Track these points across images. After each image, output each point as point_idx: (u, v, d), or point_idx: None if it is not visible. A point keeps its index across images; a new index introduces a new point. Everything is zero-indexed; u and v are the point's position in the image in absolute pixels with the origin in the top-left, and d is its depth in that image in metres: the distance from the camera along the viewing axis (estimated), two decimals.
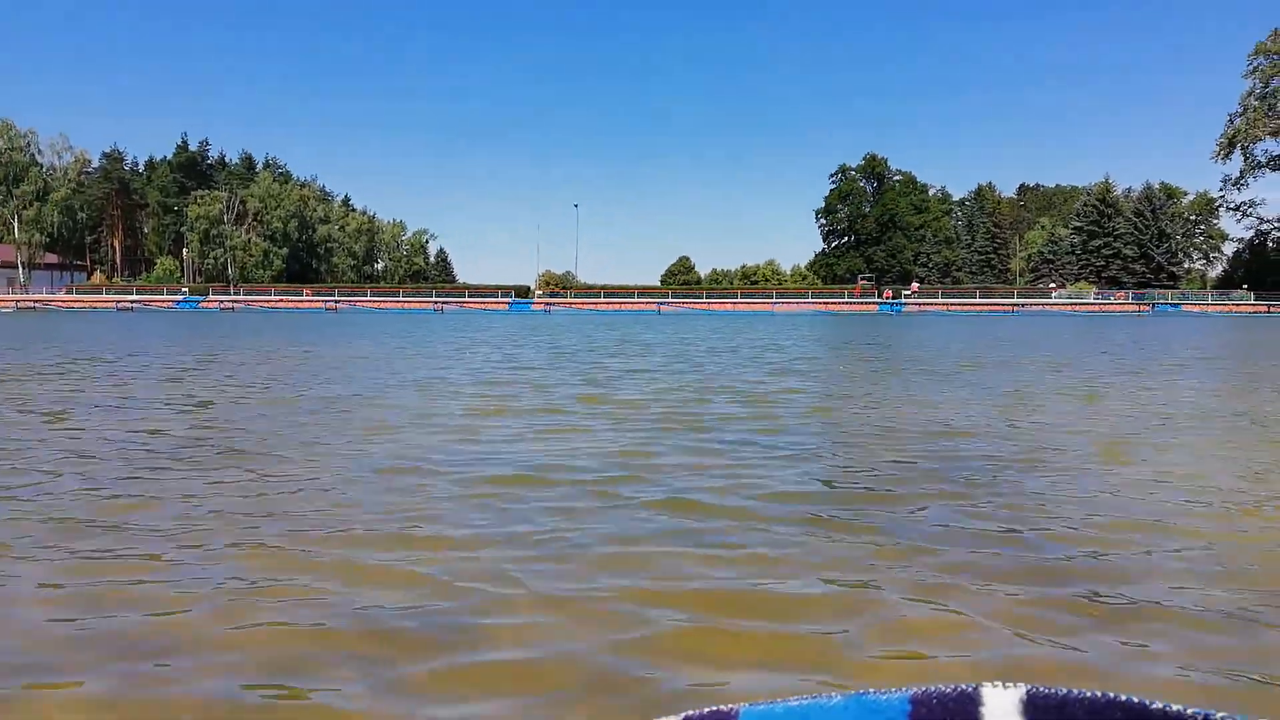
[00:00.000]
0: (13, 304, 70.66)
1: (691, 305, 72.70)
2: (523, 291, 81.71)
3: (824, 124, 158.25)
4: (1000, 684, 0.42)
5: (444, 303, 73.03)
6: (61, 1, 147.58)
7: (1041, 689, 0.41)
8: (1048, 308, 69.60)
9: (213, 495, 4.66)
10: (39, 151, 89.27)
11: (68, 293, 79.83)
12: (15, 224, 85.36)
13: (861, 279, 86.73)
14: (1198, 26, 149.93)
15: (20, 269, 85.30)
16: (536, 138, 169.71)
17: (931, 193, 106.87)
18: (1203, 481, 5.15)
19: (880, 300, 73.16)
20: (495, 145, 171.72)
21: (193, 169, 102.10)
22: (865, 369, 13.61)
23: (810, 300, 75.32)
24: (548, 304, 71.86)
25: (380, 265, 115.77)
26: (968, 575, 3.35)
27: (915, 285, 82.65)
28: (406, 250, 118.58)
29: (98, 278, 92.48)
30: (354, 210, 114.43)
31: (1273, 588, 3.21)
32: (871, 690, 0.43)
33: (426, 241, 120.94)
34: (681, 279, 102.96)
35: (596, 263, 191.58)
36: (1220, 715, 0.37)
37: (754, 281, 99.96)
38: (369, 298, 77.20)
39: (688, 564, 3.51)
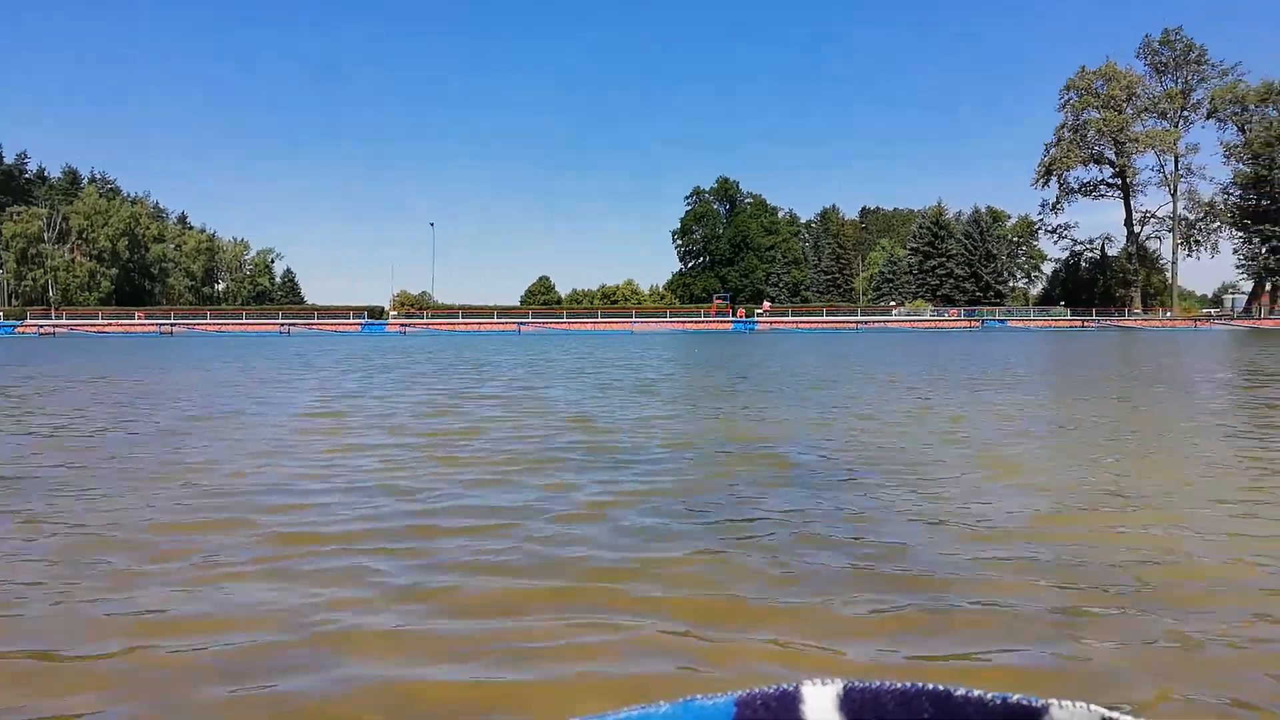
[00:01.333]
0: None
1: (552, 325, 72.55)
2: (377, 312, 79.34)
3: (680, 147, 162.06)
4: (819, 680, 0.44)
5: (291, 324, 69.89)
6: None
7: (856, 683, 0.43)
8: (889, 324, 73.52)
9: None
10: None
11: None
12: None
13: (717, 298, 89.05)
14: (1019, 61, 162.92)
15: None
16: (389, 154, 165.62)
17: (781, 215, 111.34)
18: (1037, 485, 5.55)
19: (735, 319, 75.26)
20: (346, 162, 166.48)
21: (8, 183, 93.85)
22: (719, 385, 13.93)
23: (668, 319, 76.65)
24: (403, 325, 69.99)
25: (221, 286, 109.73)
26: (808, 585, 3.48)
27: (766, 304, 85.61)
28: (250, 270, 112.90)
29: None
30: (191, 228, 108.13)
31: (1097, 584, 3.49)
32: (699, 696, 0.44)
33: (272, 261, 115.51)
34: (542, 299, 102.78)
35: (455, 282, 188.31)
36: (1016, 698, 0.39)
37: (614, 301, 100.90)
38: (209, 320, 72.90)
39: (523, 579, 3.49)
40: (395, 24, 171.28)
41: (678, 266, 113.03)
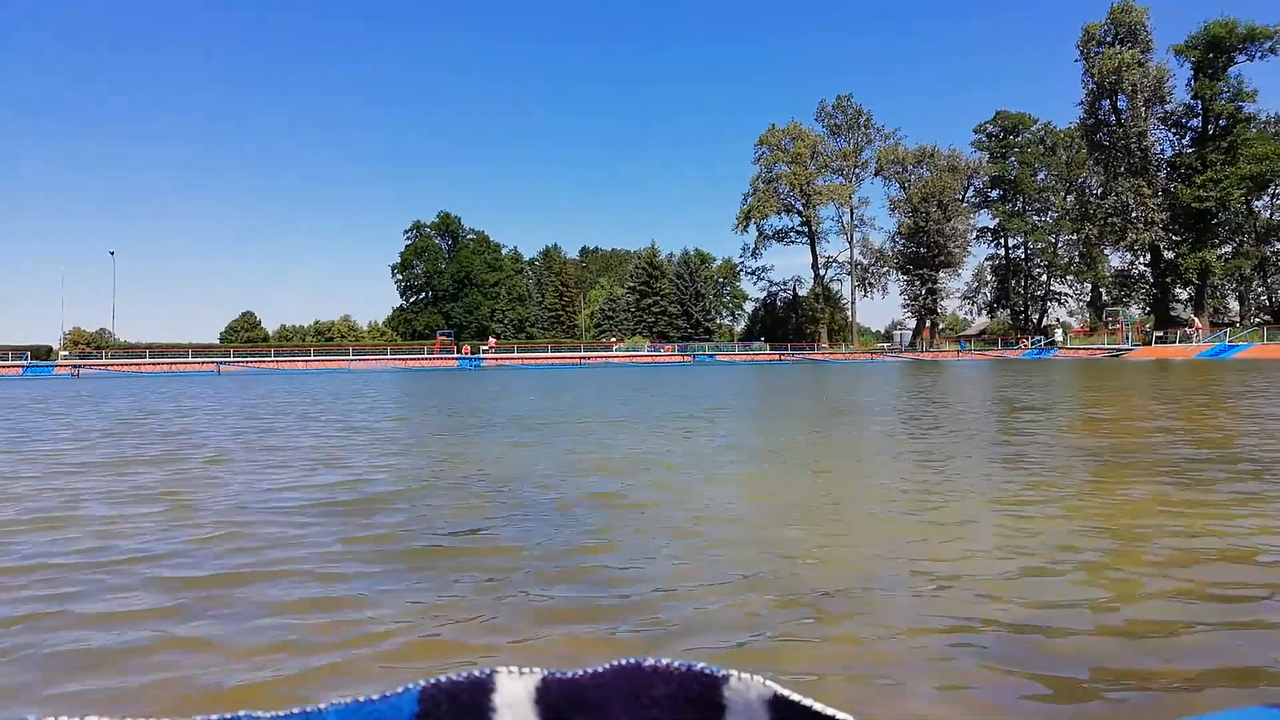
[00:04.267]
0: None
1: (258, 365, 67.15)
2: (42, 352, 69.22)
3: (398, 180, 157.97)
4: (515, 669, 0.41)
5: None
6: None
7: (556, 673, 0.41)
8: (610, 359, 76.02)
9: None
10: None
11: None
12: None
13: (441, 335, 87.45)
14: (722, 114, 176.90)
15: None
16: (60, 172, 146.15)
17: (505, 252, 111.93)
18: (744, 508, 5.79)
19: (460, 355, 74.20)
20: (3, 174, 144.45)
21: None
22: (443, 425, 13.51)
23: (390, 357, 73.87)
24: (76, 367, 61.49)
25: None
26: (521, 615, 3.32)
27: (493, 340, 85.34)
28: None
29: None
30: None
31: (794, 593, 3.62)
32: (376, 695, 0.40)
33: None
34: (246, 336, 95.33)
35: (142, 319, 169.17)
36: (700, 666, 0.40)
37: (329, 338, 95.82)
38: None
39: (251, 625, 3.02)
40: (72, 31, 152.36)
41: (399, 302, 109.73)
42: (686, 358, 78.39)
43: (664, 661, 0.40)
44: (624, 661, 0.40)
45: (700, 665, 0.38)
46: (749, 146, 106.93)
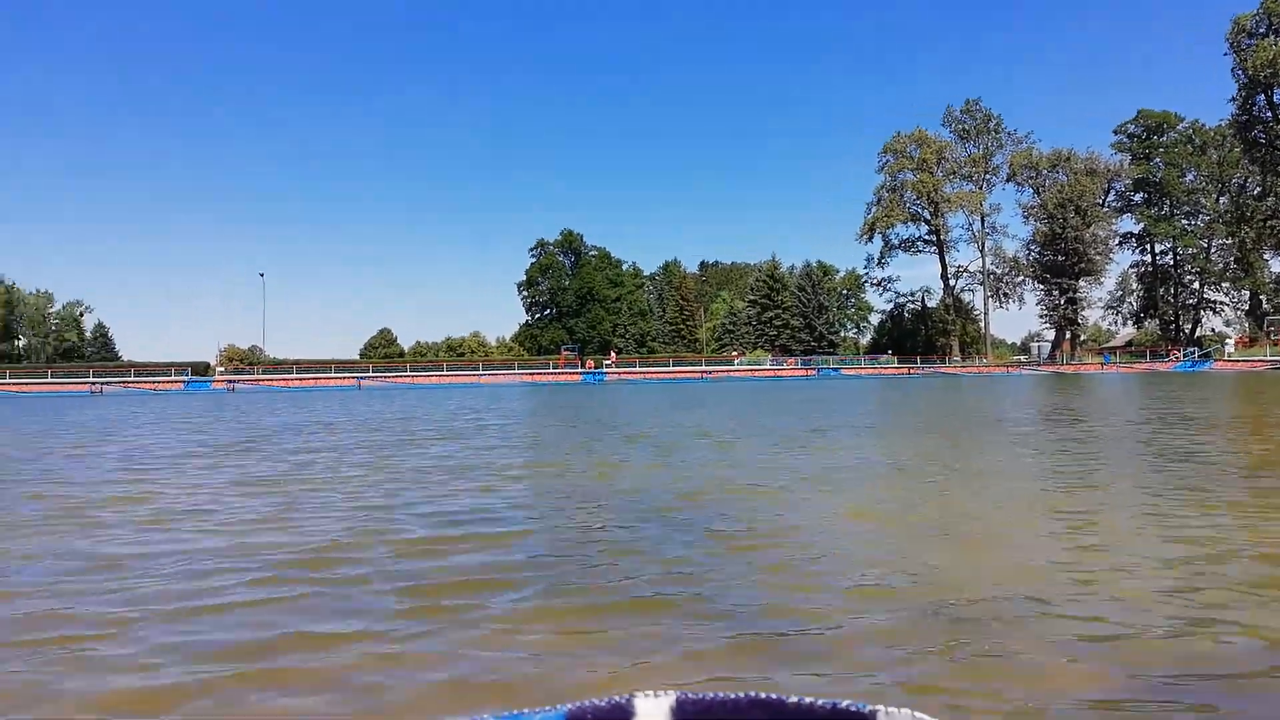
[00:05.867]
0: None
1: (395, 379, 70.31)
2: (202, 369, 74.60)
3: (524, 198, 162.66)
4: (651, 693, 0.43)
5: (104, 383, 64.47)
6: None
7: (690, 695, 0.42)
8: (731, 373, 75.77)
9: None
10: None
11: None
12: None
13: (565, 349, 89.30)
14: (838, 123, 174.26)
15: None
16: (214, 200, 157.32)
17: (625, 268, 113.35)
18: (879, 523, 5.73)
19: (584, 370, 75.55)
20: (164, 208, 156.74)
21: None
22: (579, 438, 13.83)
23: (517, 372, 75.97)
24: (232, 382, 65.97)
25: (21, 342, 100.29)
26: (662, 623, 3.41)
27: (614, 355, 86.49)
28: (56, 325, 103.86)
29: None
30: None
31: (936, 610, 3.58)
32: (527, 710, 0.43)
33: (81, 314, 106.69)
34: (383, 352, 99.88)
35: (288, 336, 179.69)
36: (846, 703, 0.39)
37: (460, 354, 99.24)
38: (8, 380, 66.25)
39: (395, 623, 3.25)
40: (214, 71, 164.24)
41: (524, 318, 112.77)
42: (810, 371, 77.26)
43: (806, 699, 0.40)
44: (765, 696, 0.40)
45: (846, 702, 0.38)
46: (872, 155, 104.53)
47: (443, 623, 3.57)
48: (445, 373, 73.83)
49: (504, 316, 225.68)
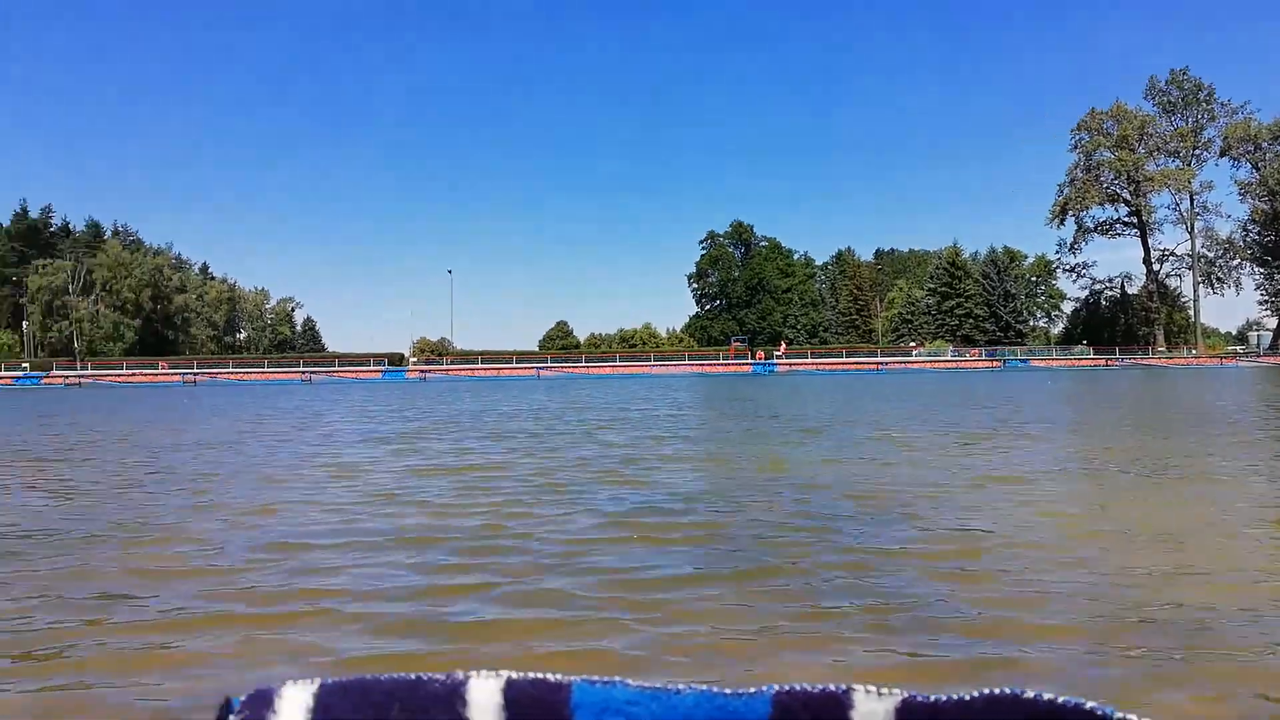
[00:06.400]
0: None
1: (571, 369, 72.67)
2: (397, 359, 79.84)
3: (694, 190, 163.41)
4: (875, 689, 0.40)
5: (313, 372, 70.35)
6: None
7: (917, 695, 0.39)
8: (909, 365, 73.12)
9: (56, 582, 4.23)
10: None
11: None
12: None
13: (735, 340, 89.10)
14: (1027, 99, 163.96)
15: None
16: (406, 203, 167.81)
17: (796, 257, 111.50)
18: (1083, 527, 5.41)
19: (754, 361, 75.16)
20: (365, 210, 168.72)
21: (34, 237, 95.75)
22: (753, 430, 13.82)
23: (687, 362, 76.62)
24: (424, 371, 70.28)
25: (243, 335, 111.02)
26: (852, 627, 3.37)
27: (783, 346, 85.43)
28: (271, 319, 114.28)
29: None
30: (214, 278, 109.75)
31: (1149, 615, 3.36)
32: (730, 689, 0.40)
33: (293, 310, 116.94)
34: (560, 343, 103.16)
35: (473, 329, 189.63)
36: (1090, 704, 0.36)
37: (632, 345, 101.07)
38: (230, 369, 73.52)
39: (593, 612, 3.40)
40: (410, 76, 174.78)
41: (694, 309, 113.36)
42: (995, 363, 73.34)
43: (1045, 695, 0.37)
44: (996, 691, 0.37)
45: (1090, 703, 0.35)
46: (1063, 133, 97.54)
47: (631, 616, 3.68)
48: (618, 363, 75.59)
49: (674, 308, 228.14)
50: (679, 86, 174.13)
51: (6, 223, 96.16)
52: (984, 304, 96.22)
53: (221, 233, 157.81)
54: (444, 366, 74.88)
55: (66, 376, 68.53)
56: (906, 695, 0.39)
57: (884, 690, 0.39)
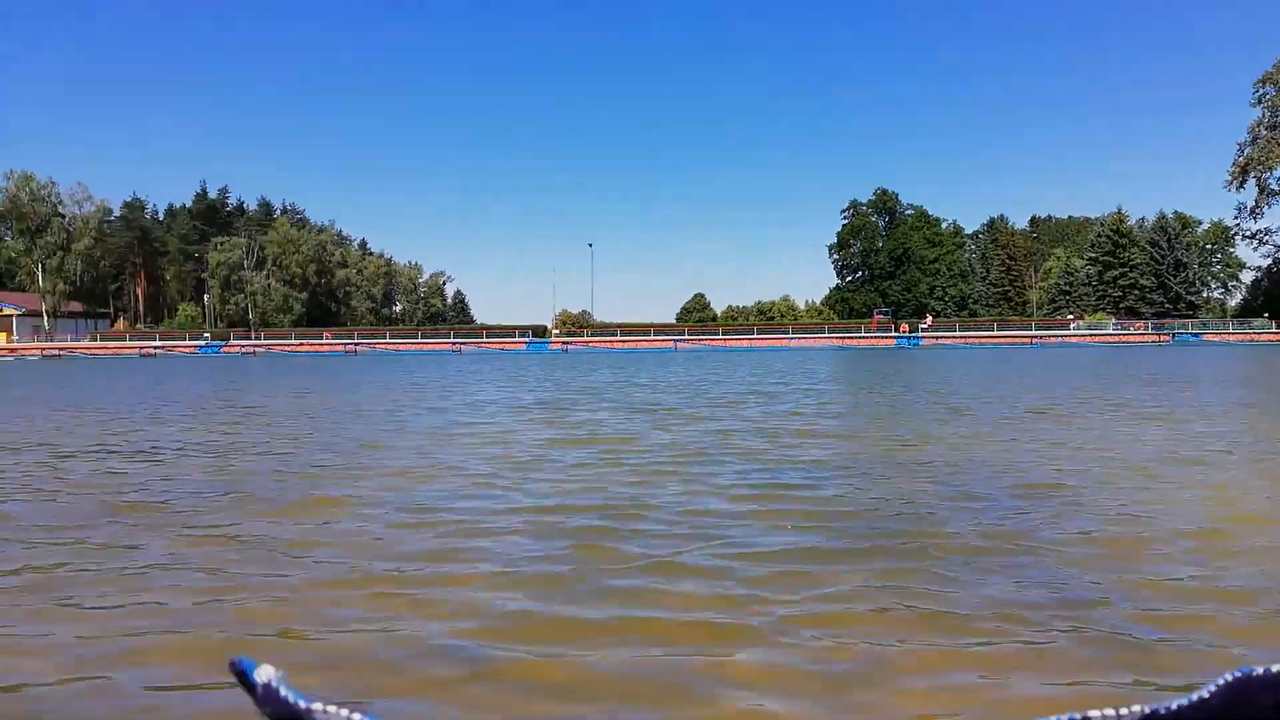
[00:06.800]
0: (38, 351, 71.69)
1: (708, 342, 72.79)
2: (540, 331, 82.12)
3: (834, 158, 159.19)
4: (1114, 710, 0.38)
5: (462, 343, 73.48)
6: (77, 56, 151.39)
7: (1156, 708, 0.37)
8: (1067, 339, 69.19)
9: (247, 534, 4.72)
10: (60, 202, 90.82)
11: (92, 340, 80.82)
12: (39, 273, 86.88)
13: (878, 313, 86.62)
14: (1201, 52, 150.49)
15: (45, 317, 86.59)
16: (550, 177, 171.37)
17: (944, 226, 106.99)
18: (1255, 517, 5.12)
19: (898, 334, 72.99)
20: (510, 186, 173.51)
21: (212, 216, 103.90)
22: (899, 407, 13.55)
23: (827, 335, 75.23)
24: (565, 343, 72.14)
25: (398, 307, 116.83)
26: (1015, 621, 3.35)
27: (930, 318, 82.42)
28: (424, 292, 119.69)
29: (121, 325, 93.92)
30: (372, 254, 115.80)
31: None
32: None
33: (444, 283, 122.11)
34: (697, 316, 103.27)
35: (612, 301, 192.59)
36: None
37: (770, 317, 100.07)
38: (388, 340, 77.69)
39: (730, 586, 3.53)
40: (547, 66, 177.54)
41: (835, 281, 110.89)
42: (1163, 338, 68.40)
43: (1275, 667, 0.35)
44: (1227, 677, 0.35)
45: None
46: (1245, 86, 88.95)
47: (768, 599, 3.76)
48: (755, 336, 75.04)
49: (814, 280, 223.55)
50: (821, 49, 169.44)
51: (189, 203, 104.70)
52: (1151, 274, 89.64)
53: (379, 210, 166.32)
54: (584, 338, 76.53)
55: (242, 346, 74.29)
56: (1146, 710, 0.37)
57: (1122, 710, 0.37)
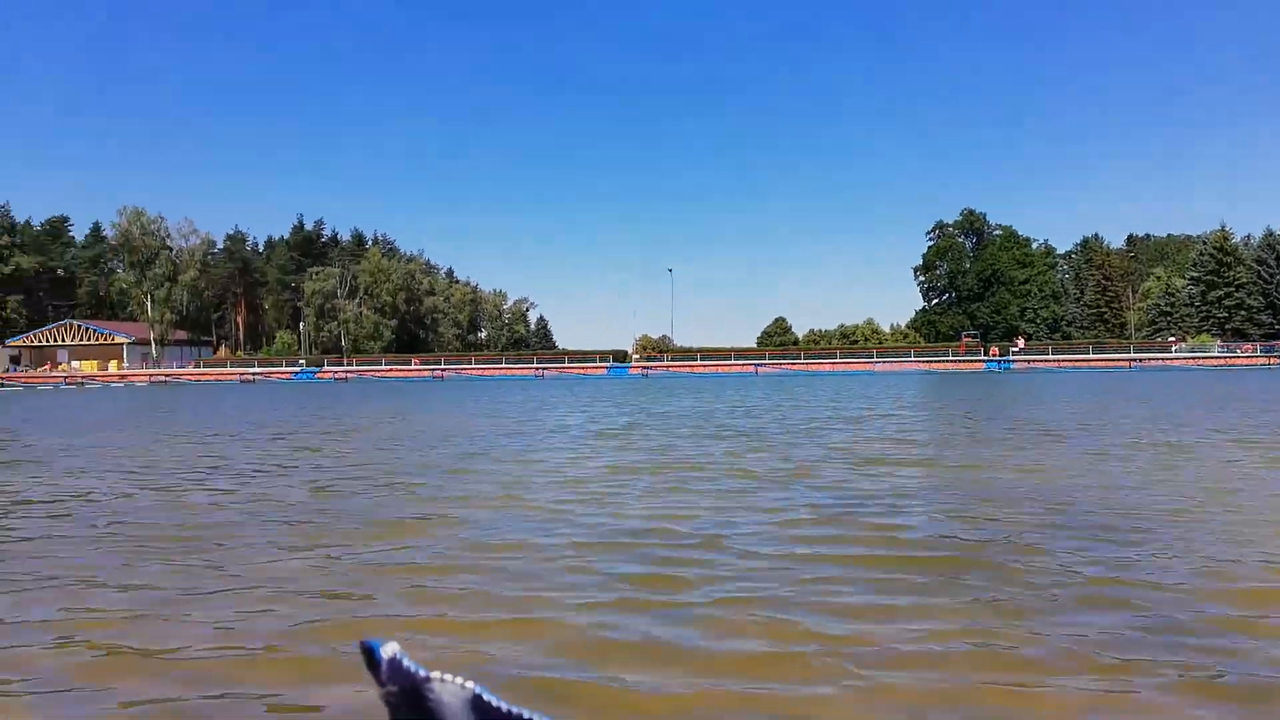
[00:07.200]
0: (146, 378, 75.56)
1: (789, 366, 72.08)
2: (620, 356, 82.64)
3: (918, 179, 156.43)
4: None
5: (545, 368, 74.46)
6: (179, 101, 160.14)
7: None
8: (1169, 362, 66.17)
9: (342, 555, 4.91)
10: (168, 235, 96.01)
11: (195, 366, 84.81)
12: (148, 304, 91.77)
13: (966, 336, 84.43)
14: None
15: (153, 345, 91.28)
16: (631, 204, 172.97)
17: (1034, 246, 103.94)
18: None
19: (987, 358, 70.95)
20: (592, 214, 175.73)
21: (308, 247, 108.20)
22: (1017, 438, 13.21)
23: (913, 359, 73.64)
24: (645, 368, 72.40)
25: (483, 333, 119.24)
26: (1114, 647, 3.25)
27: (1021, 341, 79.88)
28: (508, 318, 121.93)
29: (223, 352, 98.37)
30: (458, 282, 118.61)
31: None
32: None
33: (526, 309, 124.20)
34: (778, 340, 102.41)
35: (692, 325, 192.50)
36: None
37: (853, 341, 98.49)
38: (473, 365, 79.34)
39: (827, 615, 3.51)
40: (625, 91, 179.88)
41: (920, 304, 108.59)
42: (1273, 360, 64.80)
43: None
44: None
45: None
46: None
47: (876, 627, 3.73)
48: (837, 360, 73.97)
49: (899, 303, 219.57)
50: (905, 67, 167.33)
51: (287, 235, 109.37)
52: (1259, 293, 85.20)
53: (465, 239, 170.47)
54: (664, 363, 76.66)
55: (335, 372, 76.85)
56: None
57: None
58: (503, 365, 78.57)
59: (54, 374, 78.76)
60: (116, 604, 4.07)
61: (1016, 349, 74.12)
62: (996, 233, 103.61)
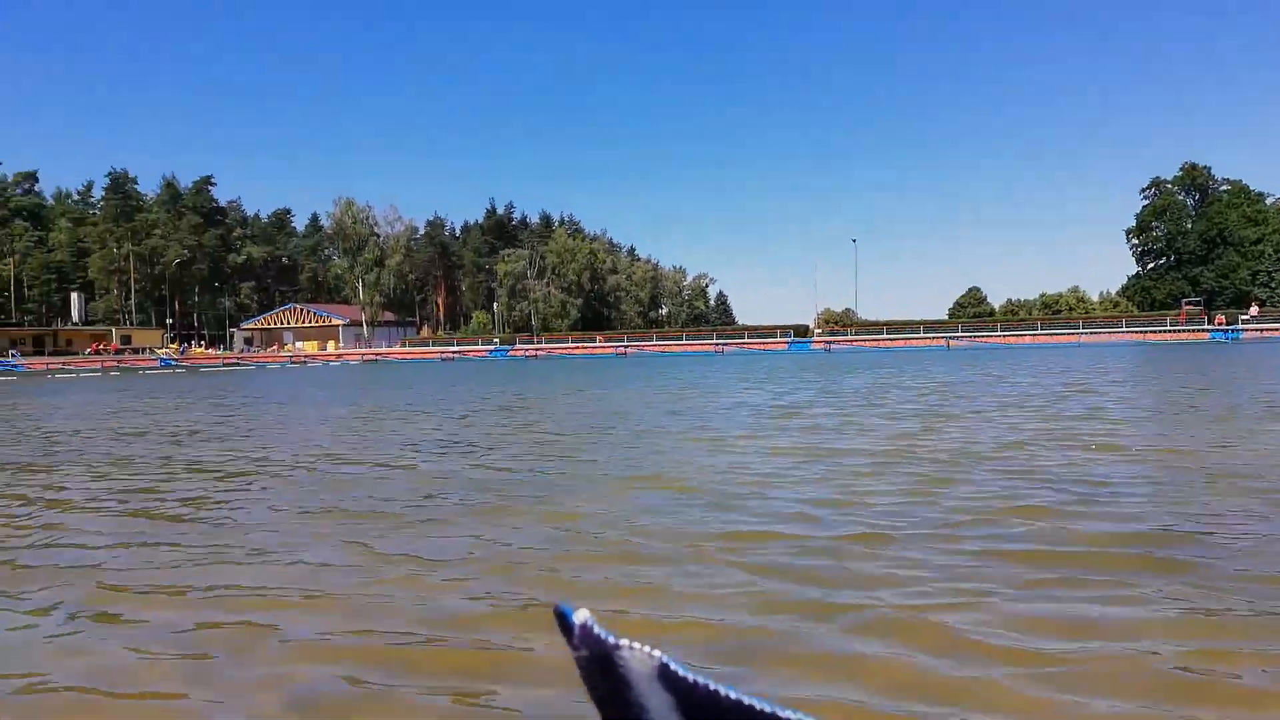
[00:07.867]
0: (359, 356, 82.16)
1: (984, 339, 68.39)
2: (801, 330, 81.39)
3: (1128, 132, 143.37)
4: None
5: (724, 344, 74.61)
6: (384, 99, 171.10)
7: None
8: None
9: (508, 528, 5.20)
10: (376, 223, 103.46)
11: (401, 346, 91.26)
12: (360, 287, 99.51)
13: (1187, 303, 76.97)
14: None
15: (364, 326, 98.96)
16: (812, 175, 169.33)
17: (1269, 202, 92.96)
18: None
19: (1212, 327, 64.42)
20: (770, 186, 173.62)
21: (500, 230, 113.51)
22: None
23: (1125, 330, 67.93)
24: (828, 343, 70.93)
25: (664, 310, 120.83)
26: None
27: (1255, 309, 71.75)
28: (688, 295, 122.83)
29: (425, 332, 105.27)
30: (639, 259, 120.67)
31: None
32: None
33: (706, 285, 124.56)
34: (972, 311, 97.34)
35: (878, 298, 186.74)
36: None
37: (1056, 311, 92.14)
38: (654, 341, 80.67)
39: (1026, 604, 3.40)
40: (806, 61, 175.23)
41: (1133, 269, 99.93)
42: None
43: None
44: None
45: None
46: None
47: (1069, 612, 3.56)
48: (1038, 332, 69.39)
49: (1107, 268, 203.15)
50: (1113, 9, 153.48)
51: (480, 219, 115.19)
52: None
53: (646, 216, 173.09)
54: (848, 337, 74.78)
55: (525, 350, 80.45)
56: None
57: None
58: (683, 341, 79.37)
59: (280, 354, 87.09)
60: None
61: (1247, 317, 66.70)
62: (1223, 189, 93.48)
